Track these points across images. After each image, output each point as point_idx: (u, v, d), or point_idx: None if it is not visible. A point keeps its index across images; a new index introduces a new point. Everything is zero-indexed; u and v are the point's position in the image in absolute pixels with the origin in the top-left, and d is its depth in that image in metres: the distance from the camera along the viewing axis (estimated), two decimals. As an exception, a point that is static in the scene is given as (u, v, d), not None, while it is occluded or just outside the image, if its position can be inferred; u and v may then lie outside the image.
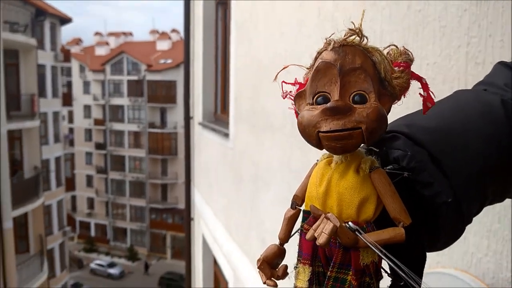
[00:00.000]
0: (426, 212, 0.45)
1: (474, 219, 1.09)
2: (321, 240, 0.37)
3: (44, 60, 18.04)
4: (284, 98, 0.47)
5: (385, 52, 0.43)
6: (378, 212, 0.41)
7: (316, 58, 0.43)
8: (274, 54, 2.65)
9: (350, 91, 0.40)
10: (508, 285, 0.97)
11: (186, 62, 5.64)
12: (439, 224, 0.45)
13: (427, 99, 0.43)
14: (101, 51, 35.08)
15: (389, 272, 0.43)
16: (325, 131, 0.39)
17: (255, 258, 0.48)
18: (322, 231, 0.38)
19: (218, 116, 4.88)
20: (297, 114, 0.45)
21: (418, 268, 0.44)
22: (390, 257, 0.38)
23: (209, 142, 4.67)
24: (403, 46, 0.44)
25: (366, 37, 0.42)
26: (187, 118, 5.59)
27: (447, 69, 1.16)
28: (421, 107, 0.46)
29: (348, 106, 0.39)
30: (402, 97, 0.44)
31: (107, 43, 35.95)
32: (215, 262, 4.64)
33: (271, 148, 2.74)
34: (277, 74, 0.47)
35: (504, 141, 0.49)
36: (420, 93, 0.43)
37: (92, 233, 32.31)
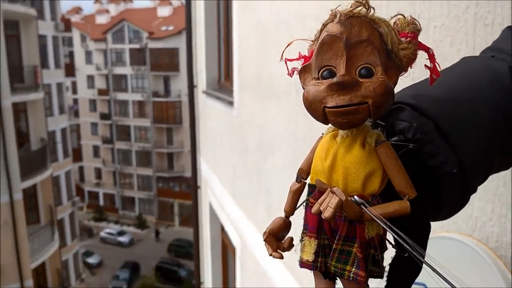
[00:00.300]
0: (431, 182, 0.45)
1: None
2: (326, 214, 0.38)
3: (44, 30, 17.80)
4: (291, 76, 0.46)
5: (392, 21, 0.42)
6: (383, 185, 0.41)
7: (321, 30, 0.41)
8: (278, 19, 2.60)
9: (357, 64, 0.39)
10: (510, 248, 0.98)
11: (188, 29, 5.54)
12: (444, 194, 0.45)
13: (433, 70, 0.42)
14: (101, 19, 34.54)
15: (393, 243, 0.43)
16: (331, 107, 0.39)
17: (262, 224, 0.49)
18: (327, 205, 0.38)
19: (222, 84, 4.84)
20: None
21: (422, 238, 0.44)
22: (395, 230, 0.38)
23: (213, 110, 4.66)
24: (411, 16, 0.42)
25: (373, 8, 0.40)
26: (191, 86, 5.56)
27: (455, 31, 1.13)
28: (426, 76, 0.45)
29: (354, 80, 0.38)
30: (409, 68, 0.43)
31: (107, 11, 35.34)
32: (222, 229, 4.74)
33: (276, 115, 2.73)
34: (282, 52, 0.46)
35: (511, 110, 0.48)
36: (425, 65, 0.42)
37: (101, 202, 32.92)
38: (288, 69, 0.46)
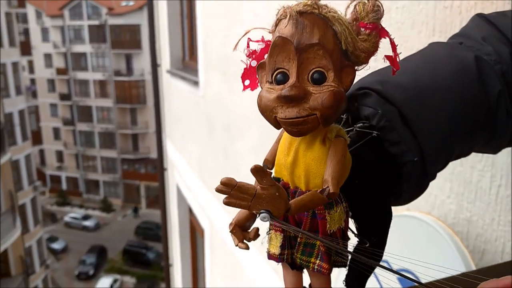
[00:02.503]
0: (393, 169, 0.45)
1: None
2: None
3: (-5, 6, 16.77)
4: (248, 70, 0.45)
5: (351, 7, 0.40)
6: (343, 180, 0.41)
7: (276, 25, 0.40)
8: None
9: (309, 68, 0.39)
10: (467, 224, 1.03)
11: (150, 5, 5.35)
12: (404, 181, 0.46)
13: (393, 63, 0.41)
14: (57, -5, 32.84)
15: (356, 233, 0.44)
16: (281, 118, 0.39)
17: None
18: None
19: (187, 63, 4.74)
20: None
21: (383, 224, 0.45)
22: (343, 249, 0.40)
23: (178, 90, 4.57)
24: (372, 1, 0.40)
25: (326, 6, 0.39)
26: (154, 66, 5.41)
27: (416, 13, 1.15)
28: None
29: (301, 94, 0.38)
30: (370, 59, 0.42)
31: (63, -14, 33.60)
32: (190, 211, 4.73)
33: (243, 95, 2.70)
34: (237, 43, 0.45)
35: (475, 100, 0.49)
36: (386, 55, 0.41)
37: (64, 186, 32.01)
38: (246, 60, 0.45)
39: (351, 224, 0.45)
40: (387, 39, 0.40)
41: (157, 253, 22.25)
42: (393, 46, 0.41)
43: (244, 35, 0.45)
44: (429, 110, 0.47)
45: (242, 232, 0.48)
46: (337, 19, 0.39)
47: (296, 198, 0.39)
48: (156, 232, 23.30)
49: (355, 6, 0.40)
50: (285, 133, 0.44)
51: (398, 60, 0.41)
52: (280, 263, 0.45)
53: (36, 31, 31.80)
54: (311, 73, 0.39)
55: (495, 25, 0.54)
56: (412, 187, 0.47)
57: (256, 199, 0.37)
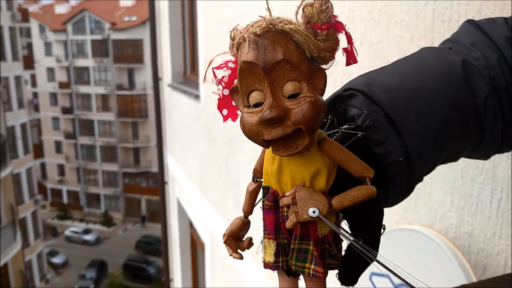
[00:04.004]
0: (378, 170, 0.45)
1: (439, 176, 1.12)
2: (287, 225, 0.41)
3: (0, 21, 16.97)
4: (220, 97, 0.46)
5: (300, 12, 0.39)
6: (331, 181, 0.42)
7: (237, 49, 0.40)
8: (243, 11, 2.57)
9: (281, 84, 0.39)
10: (468, 238, 1.02)
11: (152, 20, 5.41)
12: (390, 182, 0.46)
13: (350, 55, 0.41)
14: (61, 9, 33.24)
15: (349, 232, 0.45)
16: (268, 140, 0.40)
17: (231, 219, 0.50)
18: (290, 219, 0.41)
19: (188, 77, 4.77)
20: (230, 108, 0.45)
21: (376, 221, 0.45)
22: (344, 234, 0.40)
23: (179, 104, 4.59)
24: (317, 1, 0.39)
25: (278, 20, 0.39)
26: (156, 79, 5.45)
27: (414, 27, 1.16)
28: (374, 61, 0.44)
29: (282, 113, 0.38)
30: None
31: (66, 1, 34.05)
32: (191, 225, 4.70)
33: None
34: (205, 73, 0.45)
35: (462, 102, 0.49)
36: (344, 48, 0.40)
37: (65, 200, 31.94)
38: (219, 90, 0.45)
39: (344, 224, 0.45)
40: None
41: (158, 267, 22.06)
42: (349, 39, 0.40)
43: (209, 66, 0.45)
44: (415, 111, 0.47)
45: (236, 242, 0.48)
46: (295, 30, 0.39)
47: (343, 195, 0.40)
48: (156, 247, 23.16)
49: (303, 9, 0.39)
50: None
51: (355, 52, 0.41)
52: (275, 271, 0.45)
53: (39, 45, 32.13)
54: (284, 88, 0.39)
55: (484, 31, 0.54)
56: (397, 189, 0.47)
57: (299, 202, 0.39)
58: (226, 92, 0.45)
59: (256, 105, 0.40)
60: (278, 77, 0.39)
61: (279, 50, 0.38)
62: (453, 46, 0.55)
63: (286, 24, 0.39)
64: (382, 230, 0.45)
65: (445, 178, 1.07)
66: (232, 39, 0.41)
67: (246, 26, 0.40)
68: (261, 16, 0.39)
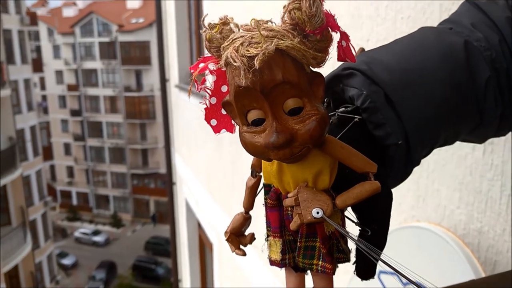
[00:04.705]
0: (377, 152, 0.44)
1: (447, 172, 1.11)
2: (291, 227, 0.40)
3: (9, 24, 17.18)
4: (207, 106, 0.43)
5: (286, 16, 0.37)
6: (333, 177, 0.41)
7: (226, 64, 0.37)
8: (249, 13, 2.58)
9: (281, 101, 0.37)
10: (477, 235, 1.01)
11: (159, 22, 5.44)
12: (387, 165, 0.45)
13: (347, 53, 0.39)
14: (69, 13, 33.53)
15: (357, 221, 0.44)
16: (276, 159, 0.39)
17: None
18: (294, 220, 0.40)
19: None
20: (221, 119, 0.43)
21: (384, 207, 0.44)
22: (352, 236, 0.39)
23: (186, 104, 4.61)
24: (304, 4, 0.35)
25: (275, 38, 0.35)
26: (163, 81, 5.47)
27: (422, 23, 1.14)
28: (377, 42, 0.43)
29: (289, 138, 0.36)
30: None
31: (74, 4, 34.32)
32: (199, 225, 4.71)
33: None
34: (190, 89, 0.44)
35: (463, 84, 0.48)
36: (339, 43, 0.38)
37: (74, 201, 32.18)
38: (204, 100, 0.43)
39: (352, 215, 0.44)
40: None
41: (167, 268, 22.12)
42: (345, 36, 0.39)
43: (196, 73, 0.42)
44: (415, 93, 0.46)
45: (238, 237, 0.48)
46: (291, 48, 0.36)
47: (346, 194, 0.39)
48: (165, 247, 23.22)
49: (290, 12, 0.36)
50: None
51: (352, 49, 0.39)
52: (283, 268, 0.44)
53: (47, 48, 32.42)
54: (285, 104, 0.37)
55: (485, 12, 0.53)
56: (395, 172, 0.46)
57: (302, 203, 0.38)
58: (214, 100, 0.43)
59: (255, 121, 0.38)
60: (278, 97, 0.36)
61: (277, 72, 0.35)
62: (453, 26, 0.53)
63: (280, 40, 0.35)
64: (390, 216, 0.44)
65: (453, 174, 1.06)
66: (209, 41, 0.39)
67: (233, 45, 0.36)
68: (248, 28, 0.37)
